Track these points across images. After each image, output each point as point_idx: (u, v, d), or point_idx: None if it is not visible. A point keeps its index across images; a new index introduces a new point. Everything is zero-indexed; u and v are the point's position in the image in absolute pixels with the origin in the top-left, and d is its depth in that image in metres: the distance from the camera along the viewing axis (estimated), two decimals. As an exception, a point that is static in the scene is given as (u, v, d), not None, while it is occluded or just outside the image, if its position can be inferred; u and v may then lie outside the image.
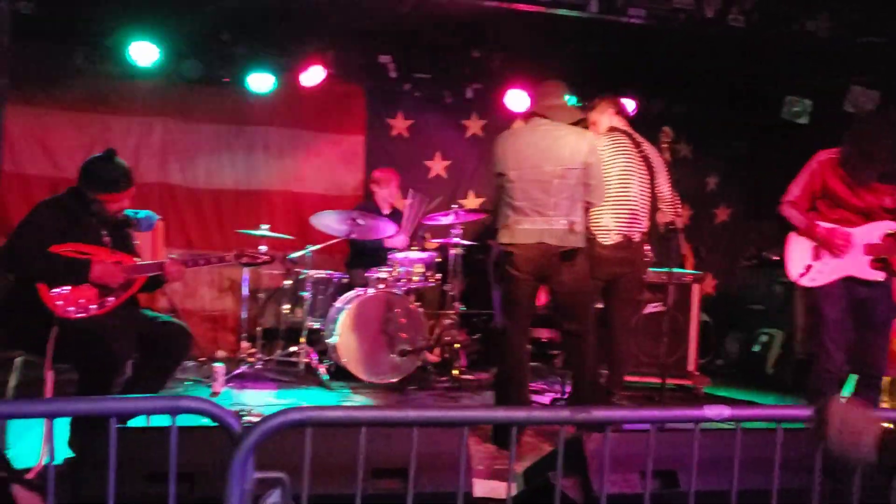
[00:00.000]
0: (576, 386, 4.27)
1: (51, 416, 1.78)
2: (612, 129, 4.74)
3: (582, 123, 4.28)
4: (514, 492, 3.26)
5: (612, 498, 2.26)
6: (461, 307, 6.44)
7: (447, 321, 6.20)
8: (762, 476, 2.36)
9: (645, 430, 2.65)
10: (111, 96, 6.58)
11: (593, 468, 2.50)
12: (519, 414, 1.96)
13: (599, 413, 2.00)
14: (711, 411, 2.03)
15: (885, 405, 5.04)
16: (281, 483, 1.83)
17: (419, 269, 6.10)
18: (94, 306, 3.66)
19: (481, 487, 2.86)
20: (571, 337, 4.20)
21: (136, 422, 2.76)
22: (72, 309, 3.59)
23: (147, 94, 6.66)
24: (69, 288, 3.61)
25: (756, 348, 6.87)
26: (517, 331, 4.23)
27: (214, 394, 5.18)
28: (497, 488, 3.05)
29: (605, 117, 4.80)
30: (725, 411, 2.04)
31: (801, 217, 4.19)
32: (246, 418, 4.25)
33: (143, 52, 6.18)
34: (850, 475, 2.36)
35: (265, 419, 1.83)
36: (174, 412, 1.85)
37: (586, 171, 4.09)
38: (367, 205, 6.63)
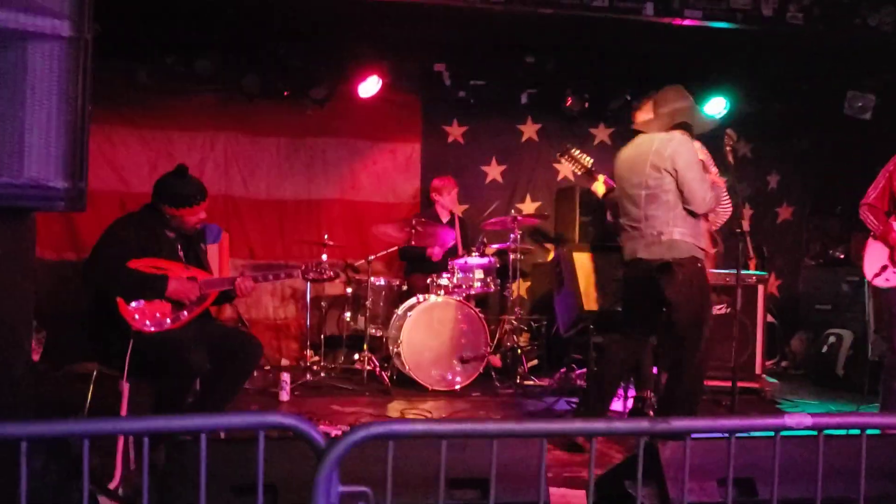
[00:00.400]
0: (667, 394, 4.22)
1: (141, 434, 1.84)
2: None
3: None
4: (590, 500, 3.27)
5: (690, 507, 2.25)
6: (522, 312, 6.45)
7: (508, 326, 6.21)
8: (841, 483, 2.32)
9: (720, 438, 2.64)
10: (174, 112, 6.76)
11: (669, 476, 2.49)
12: (599, 426, 1.97)
13: (678, 423, 1.99)
14: (792, 420, 2.01)
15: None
16: (365, 497, 1.87)
17: (479, 274, 6.14)
18: (169, 320, 3.78)
19: (556, 496, 2.86)
20: (673, 350, 4.19)
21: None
22: (148, 323, 3.71)
23: (209, 108, 6.82)
24: (144, 302, 3.73)
25: (824, 349, 6.71)
26: (618, 342, 4.29)
27: (281, 402, 5.29)
28: (571, 497, 3.05)
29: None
30: (807, 420, 2.01)
31: (877, 222, 4.13)
32: (323, 428, 4.33)
33: (205, 68, 6.33)
34: None
35: (349, 433, 1.87)
36: (261, 428, 1.89)
37: (676, 178, 3.98)
38: (428, 213, 6.69)
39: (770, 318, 6.52)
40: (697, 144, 4.17)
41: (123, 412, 3.63)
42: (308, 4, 5.59)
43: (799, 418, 2.08)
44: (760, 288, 6.11)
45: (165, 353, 3.64)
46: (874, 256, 4.13)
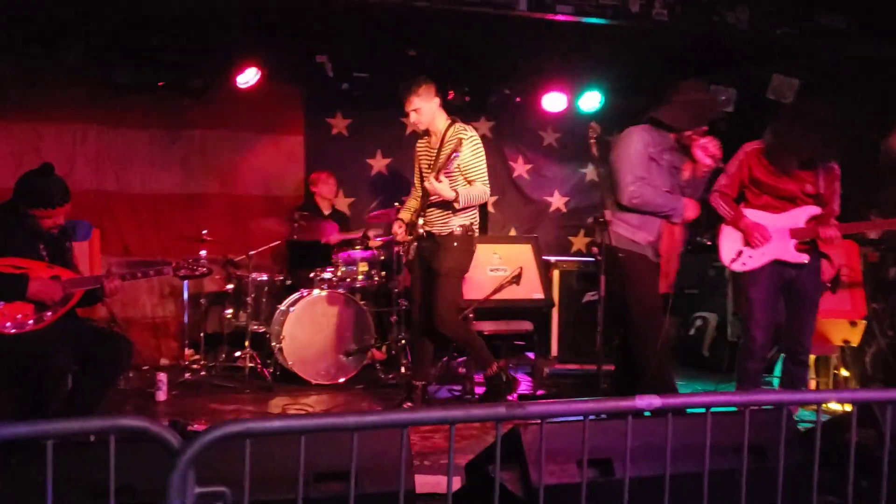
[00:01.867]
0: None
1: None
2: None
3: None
4: (455, 486, 3.35)
5: (551, 489, 2.34)
6: (406, 304, 6.49)
7: (393, 318, 6.25)
8: (694, 460, 2.47)
9: (580, 420, 2.76)
10: (42, 105, 6.42)
11: (531, 459, 2.58)
12: (457, 413, 2.02)
13: (535, 408, 2.07)
14: (642, 402, 2.12)
15: (812, 383, 5.27)
16: (223, 497, 1.86)
17: (363, 267, 6.14)
18: (31, 321, 3.63)
19: (424, 483, 2.92)
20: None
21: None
22: (8, 325, 3.56)
23: (79, 101, 6.51)
24: (3, 303, 3.56)
25: (691, 332, 7.07)
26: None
27: (158, 403, 5.15)
28: (440, 484, 3.11)
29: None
30: (656, 401, 2.13)
31: (728, 208, 4.38)
32: (191, 427, 4.23)
33: (73, 59, 6.04)
34: None
35: (203, 433, 1.85)
36: (112, 432, 1.86)
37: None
38: (307, 205, 6.63)
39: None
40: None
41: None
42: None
43: (649, 400, 2.20)
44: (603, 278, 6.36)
45: (28, 355, 3.51)
46: (729, 242, 4.37)
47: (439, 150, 4.83)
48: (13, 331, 3.57)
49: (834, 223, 4.21)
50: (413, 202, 5.11)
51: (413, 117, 4.89)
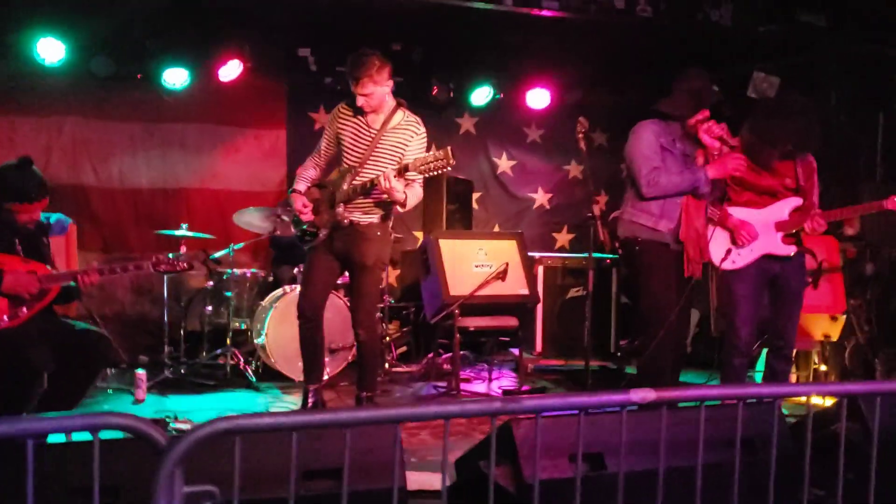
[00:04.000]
0: None
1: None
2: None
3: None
4: (448, 483, 3.32)
5: (543, 483, 2.31)
6: (390, 300, 6.46)
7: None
8: (687, 453, 2.45)
9: (571, 415, 2.74)
10: (18, 96, 6.31)
11: (523, 454, 2.56)
12: (452, 408, 1.98)
13: (530, 402, 2.04)
14: (637, 395, 2.10)
15: (793, 377, 5.30)
16: (211, 495, 1.81)
17: (345, 263, 6.07)
18: (6, 317, 3.54)
19: (414, 480, 2.88)
20: None
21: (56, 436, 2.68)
22: (-18, 321, 3.47)
23: (56, 92, 6.39)
24: (-22, 299, 3.48)
25: (675, 328, 7.07)
26: None
27: (138, 401, 5.07)
28: (429, 480, 3.08)
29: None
30: (650, 394, 2.10)
31: (713, 208, 4.38)
32: (173, 425, 4.17)
33: (51, 50, 5.93)
34: None
35: (191, 431, 1.80)
36: (96, 429, 1.80)
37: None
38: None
39: (625, 299, 6.80)
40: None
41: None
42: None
43: (643, 393, 2.17)
44: (614, 271, 6.38)
45: (3, 352, 3.43)
46: (718, 242, 4.36)
47: (380, 132, 4.31)
48: (-12, 327, 3.49)
49: (818, 213, 4.23)
50: (312, 172, 4.55)
51: (360, 101, 4.25)
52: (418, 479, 3.03)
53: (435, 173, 4.18)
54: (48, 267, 3.77)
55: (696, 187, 4.18)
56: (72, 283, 3.76)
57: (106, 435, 1.87)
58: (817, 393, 2.62)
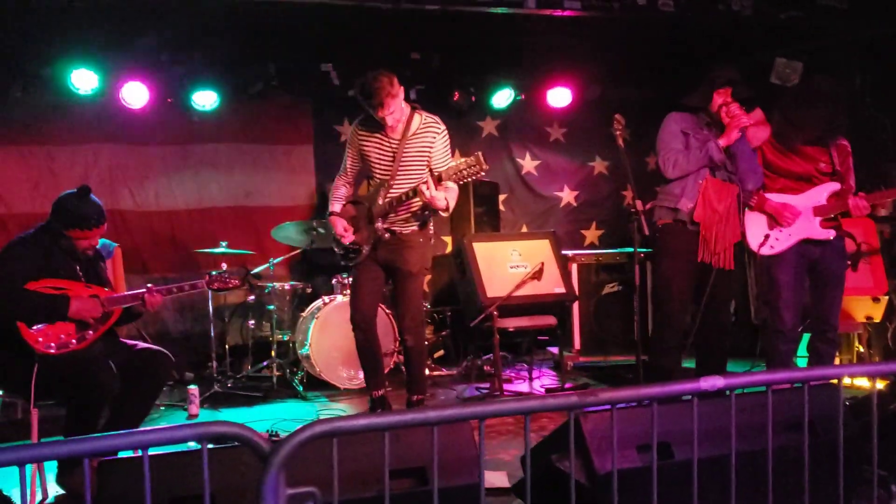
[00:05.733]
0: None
1: (85, 455, 1.81)
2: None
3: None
4: (503, 481, 3.39)
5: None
6: (427, 305, 6.54)
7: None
8: (752, 439, 2.52)
9: (635, 406, 2.81)
10: (54, 126, 6.47)
11: (593, 447, 2.63)
12: (532, 403, 2.06)
13: (605, 394, 2.12)
14: (706, 383, 2.17)
15: (838, 360, 5.33)
16: (313, 497, 1.89)
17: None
18: (74, 341, 3.66)
19: (486, 478, 2.96)
20: None
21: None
22: (53, 345, 3.59)
23: (90, 120, 6.55)
24: (46, 324, 3.60)
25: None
26: None
27: (192, 416, 5.18)
28: (498, 478, 3.16)
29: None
30: (719, 381, 2.18)
31: (751, 194, 4.43)
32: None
33: (84, 80, 6.08)
34: None
35: (292, 435, 1.89)
36: (204, 438, 1.89)
37: None
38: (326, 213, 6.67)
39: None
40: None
41: (34, 439, 3.49)
42: (190, 9, 5.46)
43: (712, 381, 2.25)
44: (649, 264, 6.42)
45: (73, 373, 3.54)
46: (755, 228, 4.42)
47: (402, 142, 4.36)
48: (57, 351, 3.60)
49: (862, 194, 4.26)
50: (343, 191, 4.62)
51: (390, 121, 4.29)
52: (489, 478, 3.11)
53: (469, 180, 4.25)
54: (108, 290, 3.89)
55: (711, 157, 4.26)
56: (133, 306, 3.87)
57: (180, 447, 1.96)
58: (875, 373, 2.67)
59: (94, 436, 1.79)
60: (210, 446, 1.99)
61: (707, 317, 4.39)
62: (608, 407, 2.21)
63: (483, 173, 4.20)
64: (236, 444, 1.95)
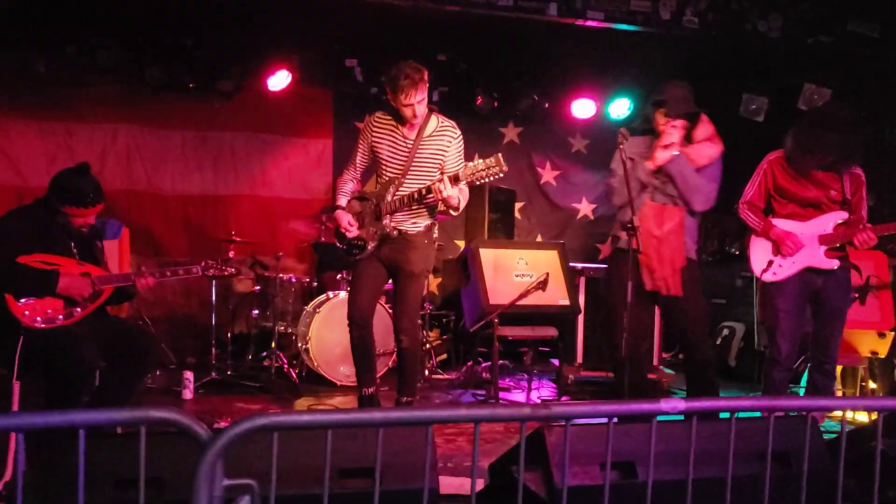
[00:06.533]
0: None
1: (21, 430, 1.81)
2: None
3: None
4: (479, 487, 3.35)
5: (573, 490, 2.33)
6: (431, 308, 6.51)
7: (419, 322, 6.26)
8: (717, 465, 2.45)
9: (603, 423, 2.76)
10: (74, 103, 6.56)
11: (554, 461, 2.58)
12: (482, 412, 2.03)
13: (559, 409, 2.08)
14: (667, 405, 2.12)
15: (838, 393, 5.21)
16: (250, 489, 1.88)
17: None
18: (62, 317, 3.68)
19: (448, 485, 2.92)
20: None
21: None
22: (39, 319, 3.62)
23: (111, 100, 6.64)
24: (35, 298, 3.63)
25: (718, 341, 7.02)
26: None
27: (184, 401, 5.20)
28: (463, 486, 3.11)
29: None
30: (680, 404, 2.12)
31: (757, 219, 4.35)
32: (217, 425, 4.28)
33: (107, 58, 6.14)
34: None
35: (231, 426, 1.87)
36: (142, 423, 1.88)
37: None
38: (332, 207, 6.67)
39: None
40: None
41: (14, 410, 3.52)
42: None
43: (673, 403, 2.19)
44: (659, 283, 6.33)
45: (57, 349, 3.56)
46: (759, 253, 4.33)
47: (416, 142, 4.33)
48: (43, 325, 3.63)
49: (869, 226, 4.14)
50: (351, 186, 4.59)
51: (419, 110, 4.23)
52: (453, 484, 3.07)
53: (486, 181, 4.21)
54: (102, 269, 3.92)
55: (640, 180, 4.05)
56: (127, 286, 3.89)
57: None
58: (850, 407, 2.60)
59: (28, 412, 1.78)
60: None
61: (684, 350, 4.28)
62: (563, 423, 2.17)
63: (502, 175, 4.15)
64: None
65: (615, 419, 2.22)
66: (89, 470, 1.94)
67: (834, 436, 3.30)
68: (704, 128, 4.19)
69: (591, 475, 2.59)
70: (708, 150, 4.16)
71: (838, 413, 3.00)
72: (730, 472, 2.31)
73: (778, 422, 2.69)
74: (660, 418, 2.23)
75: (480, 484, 3.56)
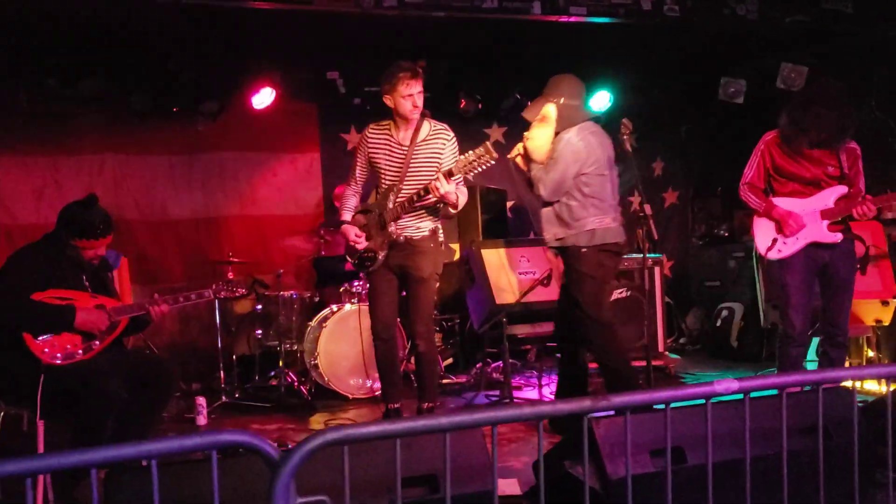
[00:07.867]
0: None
1: (94, 466, 1.79)
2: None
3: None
4: (514, 489, 3.37)
5: (625, 480, 2.36)
6: (435, 313, 6.51)
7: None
8: (764, 443, 2.49)
9: (648, 411, 2.78)
10: (59, 136, 6.49)
11: (605, 452, 2.60)
12: (545, 408, 2.04)
13: (618, 399, 2.10)
14: (721, 386, 2.15)
15: (848, 364, 5.29)
16: (324, 505, 1.88)
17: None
18: (81, 351, 3.64)
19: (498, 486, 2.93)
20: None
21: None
22: (59, 356, 3.58)
23: (96, 130, 6.57)
24: (52, 335, 3.59)
25: (718, 323, 7.10)
26: None
27: (200, 427, 5.16)
28: (507, 485, 3.13)
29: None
30: (734, 385, 2.16)
31: (758, 199, 4.42)
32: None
33: (90, 87, 6.08)
34: None
35: (303, 442, 1.87)
36: (214, 447, 1.87)
37: None
38: (334, 220, 6.66)
39: (667, 299, 6.83)
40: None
41: (40, 451, 3.48)
42: (196, 17, 5.46)
43: (726, 384, 2.22)
44: (657, 270, 6.41)
45: (79, 384, 3.52)
46: (763, 232, 4.39)
47: (411, 147, 4.39)
48: (63, 362, 3.59)
49: (868, 198, 4.23)
50: (353, 201, 4.63)
51: (418, 101, 4.35)
52: (500, 485, 3.07)
53: (479, 170, 4.24)
54: (115, 300, 3.88)
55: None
56: (142, 315, 3.86)
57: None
58: (888, 376, 2.64)
59: (101, 447, 1.76)
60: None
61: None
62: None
63: (493, 161, 4.19)
64: (242, 451, 1.94)
65: (671, 405, 2.25)
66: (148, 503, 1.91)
67: (861, 404, 3.36)
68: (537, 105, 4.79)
69: (642, 463, 2.61)
70: (538, 138, 4.74)
71: (848, 384, 3.09)
72: (784, 447, 2.35)
73: (808, 396, 2.75)
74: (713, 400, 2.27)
75: (516, 484, 3.59)
